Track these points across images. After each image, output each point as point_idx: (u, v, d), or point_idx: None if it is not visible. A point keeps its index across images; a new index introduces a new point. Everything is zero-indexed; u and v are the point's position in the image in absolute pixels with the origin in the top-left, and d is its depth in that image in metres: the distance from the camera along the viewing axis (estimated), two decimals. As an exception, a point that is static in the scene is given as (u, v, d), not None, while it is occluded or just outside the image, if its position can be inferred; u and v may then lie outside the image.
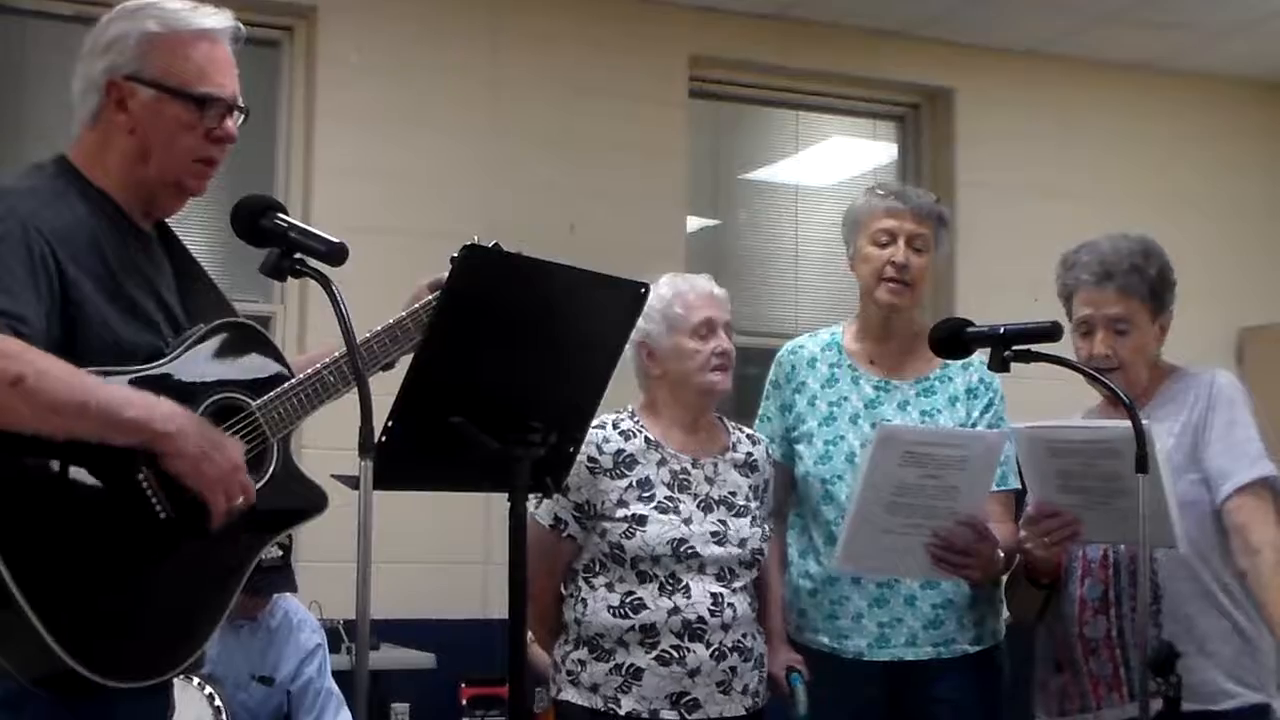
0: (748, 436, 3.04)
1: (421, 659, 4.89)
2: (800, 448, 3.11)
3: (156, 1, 2.24)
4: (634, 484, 2.82)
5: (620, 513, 2.79)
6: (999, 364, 2.60)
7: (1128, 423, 2.54)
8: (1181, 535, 2.65)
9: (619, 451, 2.84)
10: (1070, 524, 2.76)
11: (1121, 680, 2.80)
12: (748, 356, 6.11)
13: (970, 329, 2.69)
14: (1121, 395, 2.50)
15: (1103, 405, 2.96)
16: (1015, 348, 2.59)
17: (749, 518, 2.90)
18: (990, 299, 5.44)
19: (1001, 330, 2.61)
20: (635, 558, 2.78)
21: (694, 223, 6.13)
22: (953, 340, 2.72)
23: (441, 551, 4.83)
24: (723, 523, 2.86)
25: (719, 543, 2.83)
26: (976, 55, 6.31)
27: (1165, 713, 2.41)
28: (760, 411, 3.23)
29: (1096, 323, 2.88)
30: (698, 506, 2.85)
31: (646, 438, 2.88)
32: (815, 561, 3.05)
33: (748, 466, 2.97)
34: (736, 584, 2.84)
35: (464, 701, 4.95)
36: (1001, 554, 2.89)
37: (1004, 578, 3.02)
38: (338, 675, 4.15)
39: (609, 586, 2.80)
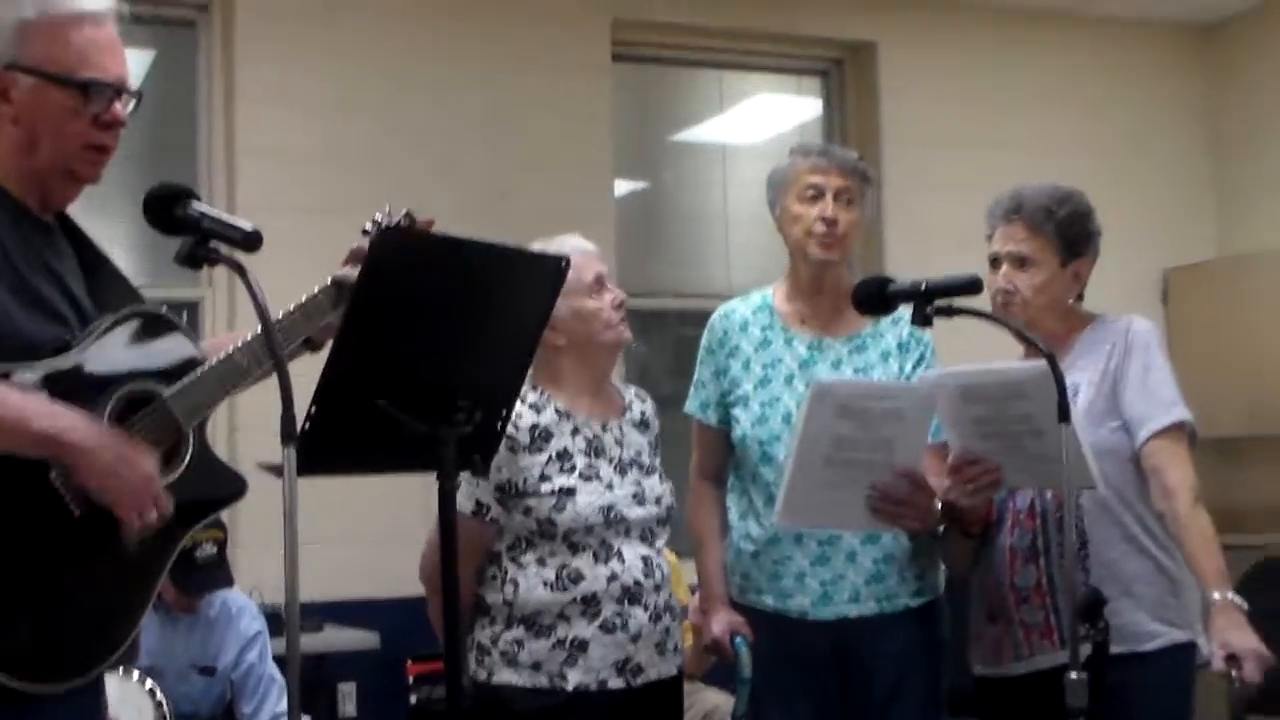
0: (636, 394, 3.04)
1: (366, 639, 4.88)
2: (737, 411, 3.11)
3: None
4: (553, 457, 2.79)
5: (545, 487, 2.76)
6: (921, 319, 2.62)
7: (1031, 363, 2.56)
8: (1098, 475, 2.68)
9: (534, 426, 2.80)
10: (991, 471, 2.78)
11: (1053, 627, 2.84)
12: (683, 318, 6.18)
13: (892, 286, 2.70)
14: (1040, 345, 2.52)
15: (1027, 353, 2.99)
16: (937, 302, 2.60)
17: (656, 475, 2.92)
18: (920, 251, 5.49)
19: (923, 286, 2.62)
20: (568, 530, 2.75)
21: (622, 186, 6.12)
22: (875, 298, 2.73)
23: (380, 530, 4.81)
24: (639, 483, 2.86)
25: (640, 503, 2.83)
26: (896, 7, 6.32)
27: (1094, 658, 2.44)
28: (695, 377, 3.23)
29: (1002, 257, 2.92)
30: (615, 470, 2.85)
31: (556, 408, 2.85)
32: (756, 523, 3.06)
33: (643, 424, 2.98)
34: (658, 543, 2.86)
35: (410, 679, 4.95)
36: (939, 504, 2.91)
37: (940, 530, 3.05)
38: (280, 659, 4.13)
39: (540, 562, 2.76)
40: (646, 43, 6.16)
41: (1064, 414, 2.44)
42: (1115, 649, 2.53)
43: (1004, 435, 2.74)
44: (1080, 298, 3.01)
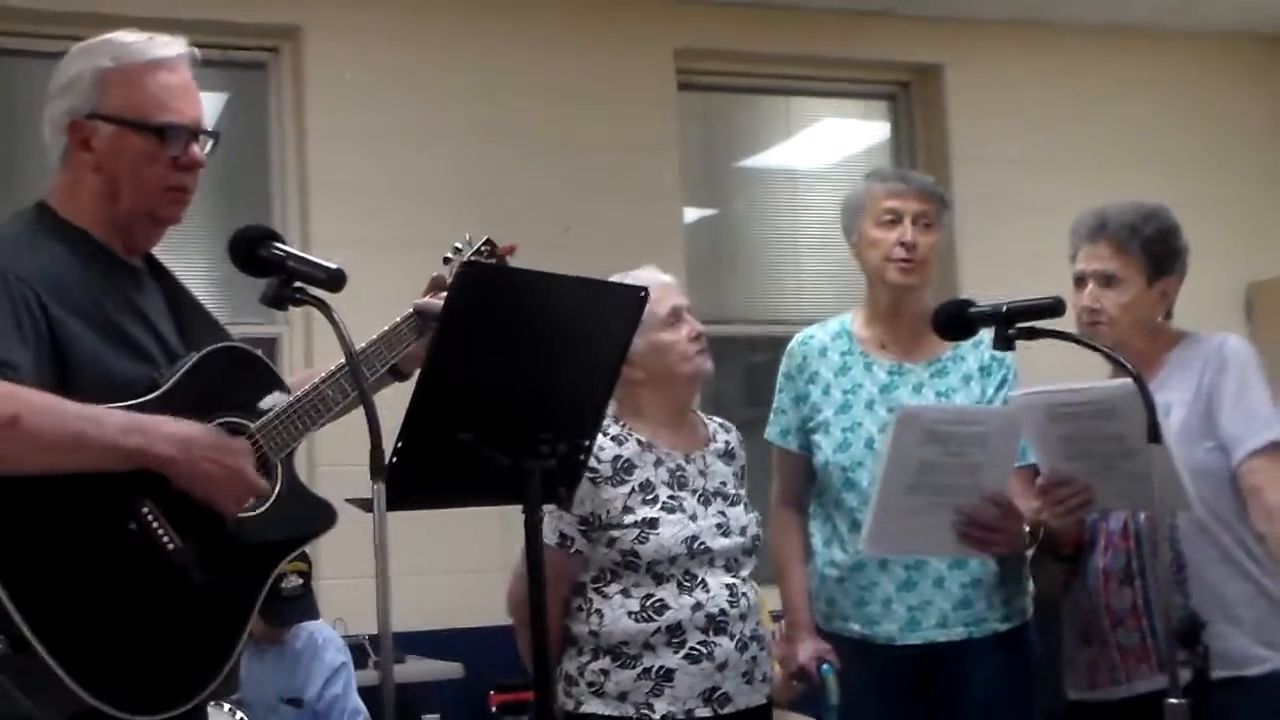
0: (720, 425, 3.04)
1: (449, 669, 4.90)
2: (818, 437, 3.11)
3: (112, 36, 2.24)
4: (636, 488, 2.80)
5: (628, 519, 2.77)
6: (1003, 343, 2.59)
7: (1119, 381, 2.53)
8: (1194, 495, 2.64)
9: (616, 458, 2.81)
10: (1081, 492, 2.74)
11: (1150, 651, 2.79)
12: (754, 344, 6.16)
13: (973, 309, 2.66)
14: (1127, 365, 2.47)
15: (1115, 372, 2.94)
16: (1019, 325, 2.57)
17: (742, 505, 2.91)
18: (994, 273, 5.45)
19: (1004, 308, 2.59)
20: (651, 561, 2.75)
21: (691, 214, 6.13)
22: (956, 322, 2.70)
23: (462, 561, 4.84)
24: (723, 514, 2.85)
25: (724, 534, 2.83)
26: (962, 29, 6.29)
27: (1194, 683, 2.39)
28: (775, 404, 3.23)
29: (1087, 276, 2.89)
30: (699, 501, 2.84)
31: (638, 440, 2.86)
32: (840, 549, 3.05)
33: (728, 455, 2.97)
34: (743, 573, 2.85)
35: (494, 709, 4.96)
36: (1027, 528, 2.86)
37: (1029, 553, 3.01)
38: (365, 690, 4.15)
39: (625, 593, 2.77)
40: (712, 70, 6.18)
41: (1154, 434, 2.39)
42: (1219, 674, 2.48)
43: (1094, 455, 2.70)
44: (1169, 316, 2.97)
